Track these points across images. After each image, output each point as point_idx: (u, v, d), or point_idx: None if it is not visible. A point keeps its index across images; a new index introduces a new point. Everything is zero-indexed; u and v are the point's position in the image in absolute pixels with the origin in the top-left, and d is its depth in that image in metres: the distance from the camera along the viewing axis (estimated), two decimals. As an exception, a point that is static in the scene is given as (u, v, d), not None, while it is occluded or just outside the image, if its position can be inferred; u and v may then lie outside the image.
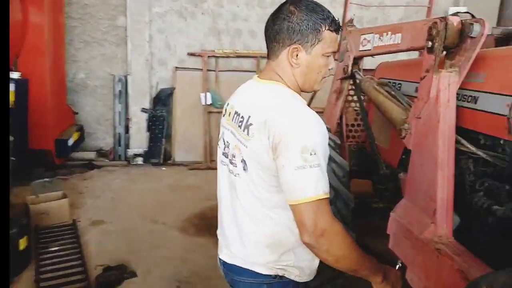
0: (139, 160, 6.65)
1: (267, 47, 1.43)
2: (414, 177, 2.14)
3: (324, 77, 1.45)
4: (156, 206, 4.80)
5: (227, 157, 1.48)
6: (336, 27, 1.38)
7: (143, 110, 6.71)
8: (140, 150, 6.71)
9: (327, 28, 1.35)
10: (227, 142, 1.48)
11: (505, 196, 1.82)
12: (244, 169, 1.38)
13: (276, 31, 1.37)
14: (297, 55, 1.36)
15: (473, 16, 1.93)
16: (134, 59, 6.63)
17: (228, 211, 1.54)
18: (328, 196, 1.26)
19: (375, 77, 3.00)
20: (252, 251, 1.45)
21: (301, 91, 1.45)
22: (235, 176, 1.44)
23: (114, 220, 4.39)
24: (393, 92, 2.51)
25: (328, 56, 1.39)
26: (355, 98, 3.33)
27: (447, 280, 1.73)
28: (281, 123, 1.27)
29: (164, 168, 6.49)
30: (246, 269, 1.47)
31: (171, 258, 3.63)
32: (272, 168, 1.31)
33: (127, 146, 6.74)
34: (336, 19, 1.41)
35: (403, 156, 2.63)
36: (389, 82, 2.74)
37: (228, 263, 1.55)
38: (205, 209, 4.68)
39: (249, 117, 1.36)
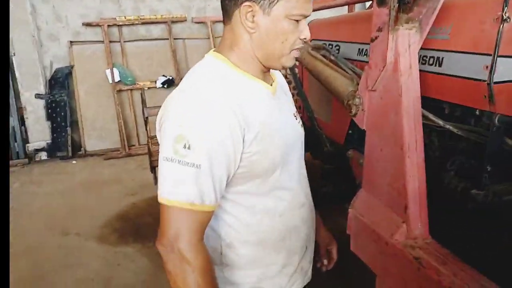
0: (43, 156, 5.71)
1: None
2: (373, 164, 1.73)
3: (295, 49, 1.11)
4: (67, 212, 4.05)
5: None
6: None
7: (38, 96, 5.68)
8: (43, 144, 5.74)
9: None
10: None
11: (487, 178, 1.47)
12: None
13: None
14: (253, 17, 1.05)
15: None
16: (16, 36, 5.49)
17: None
18: (203, 209, 1.01)
19: (307, 38, 2.52)
20: None
21: (266, 68, 1.15)
22: None
23: (13, 237, 3.58)
24: (333, 57, 2.04)
25: (296, 20, 1.06)
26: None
27: (435, 300, 1.37)
28: (166, 105, 1.07)
29: (74, 162, 5.63)
30: None
31: (90, 280, 3.00)
32: None
33: (25, 140, 5.72)
34: None
35: (350, 131, 2.22)
36: (325, 44, 2.27)
37: None
38: (128, 208, 4.05)
39: None
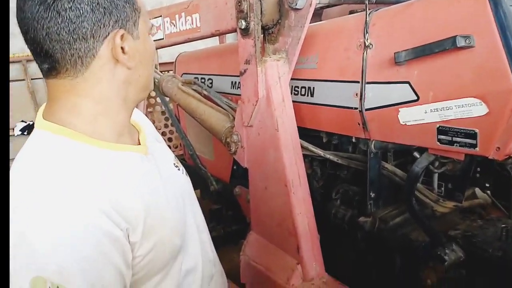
0: None
1: (43, 61, 0.76)
2: (259, 204, 1.61)
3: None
4: None
5: None
6: None
7: None
8: None
9: None
10: None
11: (372, 205, 1.45)
12: None
13: (67, 20, 0.71)
14: (122, 48, 0.77)
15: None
16: None
17: None
18: None
19: (177, 73, 2.35)
20: None
21: (130, 113, 0.88)
22: None
23: None
24: (205, 92, 1.90)
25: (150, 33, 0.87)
26: (158, 100, 2.63)
27: None
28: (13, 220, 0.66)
29: None
30: None
31: None
32: None
33: None
34: None
35: (235, 167, 2.09)
36: (196, 78, 2.13)
37: None
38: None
39: None
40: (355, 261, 1.53)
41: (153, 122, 2.73)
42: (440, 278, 1.23)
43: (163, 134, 2.79)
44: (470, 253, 1.17)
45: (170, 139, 2.77)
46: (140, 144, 0.89)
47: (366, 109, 1.31)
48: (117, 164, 0.78)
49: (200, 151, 2.33)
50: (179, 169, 1.01)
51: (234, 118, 1.66)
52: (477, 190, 1.45)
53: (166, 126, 2.79)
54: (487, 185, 1.31)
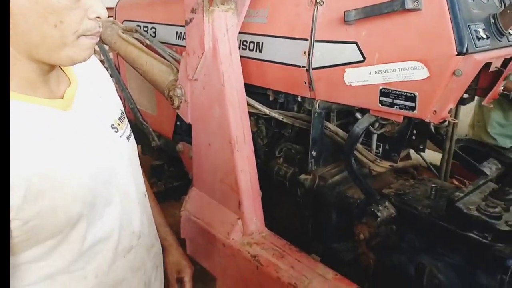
0: None
1: None
2: (202, 160, 1.58)
3: (88, 35, 0.75)
4: None
5: None
6: None
7: None
8: None
9: None
10: None
11: (313, 163, 1.48)
12: None
13: None
14: None
15: None
16: None
17: None
18: None
19: (117, 20, 2.19)
20: None
21: (50, 66, 0.76)
22: None
23: None
24: (148, 42, 1.79)
25: None
26: (97, 48, 2.44)
27: (276, 297, 1.31)
28: None
29: None
30: None
31: None
32: None
33: None
34: None
35: (178, 123, 2.03)
36: (138, 26, 1.99)
37: None
38: None
39: None
40: (294, 217, 1.57)
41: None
42: (372, 233, 1.31)
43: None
44: (401, 210, 1.24)
45: (109, 91, 2.62)
46: (63, 98, 0.80)
47: (314, 68, 1.30)
48: (14, 116, 0.68)
49: (141, 105, 2.23)
50: (117, 131, 0.90)
51: (178, 70, 1.59)
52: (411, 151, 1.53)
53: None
54: (421, 147, 1.38)
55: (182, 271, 1.19)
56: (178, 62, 1.62)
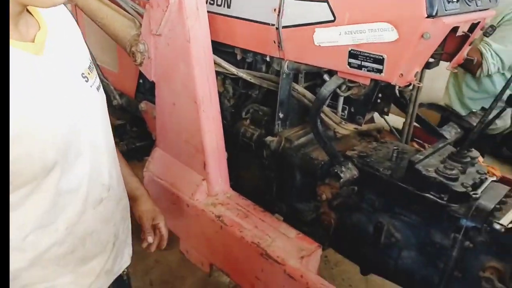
0: None
1: None
2: (166, 120, 1.54)
3: None
4: None
5: None
6: None
7: None
8: None
9: None
10: None
11: (279, 125, 1.47)
12: None
13: None
14: None
15: None
16: None
17: None
18: None
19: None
20: None
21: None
22: None
23: None
24: (108, -8, 1.68)
25: None
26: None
27: (240, 256, 1.34)
28: None
29: None
30: None
31: None
32: None
33: None
34: None
35: (141, 81, 1.95)
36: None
37: None
38: None
39: None
40: (259, 178, 1.58)
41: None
42: (334, 193, 1.34)
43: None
44: (363, 171, 1.27)
45: (66, 46, 2.47)
46: (34, 42, 0.76)
47: (283, 27, 1.27)
48: None
49: (102, 61, 2.12)
50: (87, 81, 0.87)
51: (140, 25, 1.51)
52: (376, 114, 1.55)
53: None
54: (385, 110, 1.40)
55: (156, 217, 1.20)
56: (141, 15, 1.53)
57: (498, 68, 1.92)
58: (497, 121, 2.17)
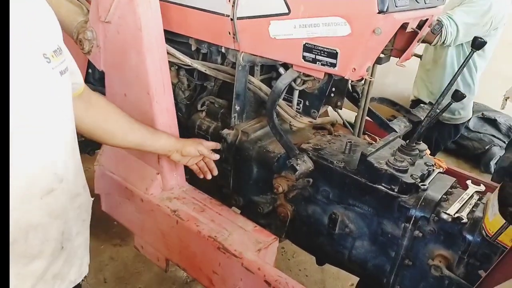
0: None
1: None
2: (118, 112, 1.48)
3: None
4: None
5: None
6: None
7: None
8: None
9: None
10: None
11: (236, 118, 1.46)
12: None
13: None
14: None
15: None
16: None
17: None
18: None
19: None
20: None
21: None
22: None
23: None
24: (53, -24, 1.57)
25: None
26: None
27: (197, 250, 1.32)
28: None
29: None
30: None
31: None
32: None
33: None
34: None
35: (89, 70, 1.86)
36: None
37: None
38: None
39: None
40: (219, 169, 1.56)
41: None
42: (290, 185, 1.35)
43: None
44: (318, 164, 1.29)
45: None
46: None
47: (238, 18, 1.25)
48: None
49: (47, 49, 2.00)
50: (49, 62, 0.82)
51: (88, 10, 1.43)
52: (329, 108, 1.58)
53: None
54: (338, 104, 1.42)
55: (195, 144, 1.34)
56: (89, 1, 1.45)
57: (451, 40, 1.98)
58: (461, 111, 2.30)
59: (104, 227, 2.20)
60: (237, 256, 1.20)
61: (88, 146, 2.12)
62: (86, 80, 1.91)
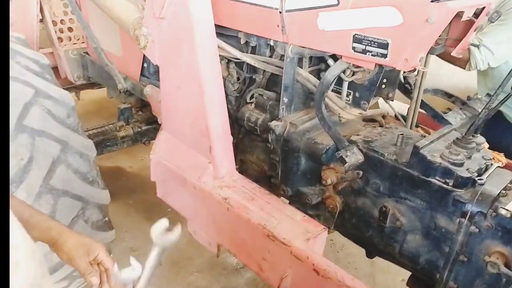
0: None
1: None
2: (171, 104, 1.55)
3: None
4: None
5: None
6: None
7: None
8: None
9: None
10: None
11: (284, 110, 1.47)
12: None
13: None
14: None
15: None
16: None
17: None
18: None
19: None
20: None
21: None
22: None
23: None
24: (111, -25, 1.66)
25: None
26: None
27: (247, 237, 1.36)
28: None
29: None
30: None
31: None
32: None
33: None
34: None
35: (145, 65, 1.95)
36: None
37: None
38: None
39: None
40: (265, 162, 1.59)
41: (50, 9, 2.37)
42: (339, 177, 1.34)
43: (61, 22, 2.44)
44: (368, 156, 1.27)
45: (70, 29, 2.45)
46: None
47: (287, 10, 1.25)
48: None
49: (105, 45, 2.11)
50: None
51: (143, 8, 1.50)
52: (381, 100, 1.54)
53: (65, 13, 2.44)
54: (390, 95, 1.39)
55: (91, 250, 0.94)
56: (145, -1, 1.52)
57: (488, 64, 1.86)
58: None
59: (158, 212, 2.31)
60: (286, 244, 1.22)
61: (144, 136, 2.24)
62: (142, 74, 2.01)
